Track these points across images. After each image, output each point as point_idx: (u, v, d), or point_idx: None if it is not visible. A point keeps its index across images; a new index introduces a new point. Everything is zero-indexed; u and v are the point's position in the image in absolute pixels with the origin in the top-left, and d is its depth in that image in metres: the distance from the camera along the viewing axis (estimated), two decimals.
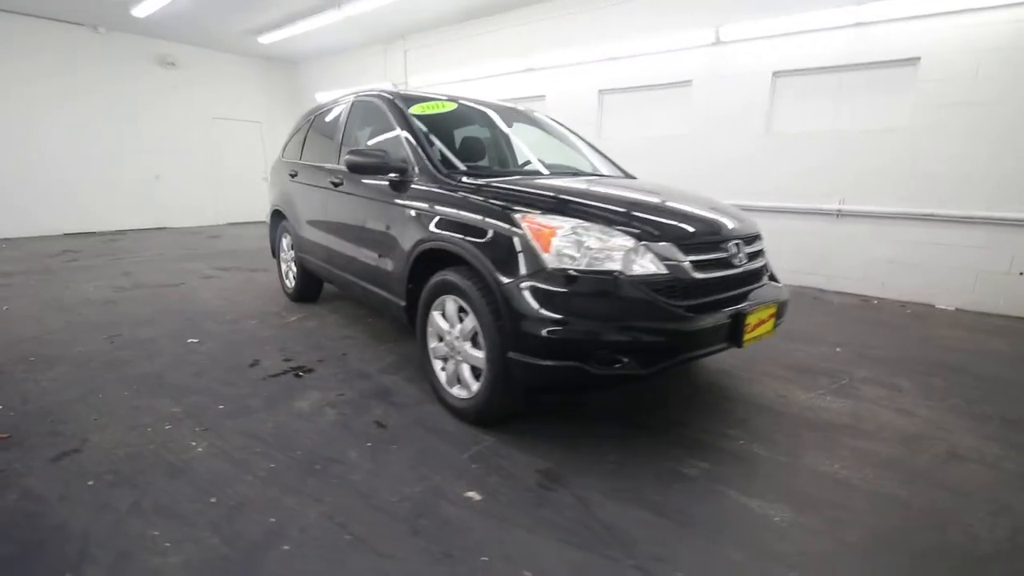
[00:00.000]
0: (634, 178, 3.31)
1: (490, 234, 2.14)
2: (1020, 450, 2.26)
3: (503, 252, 2.07)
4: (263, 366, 3.05)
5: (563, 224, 2.02)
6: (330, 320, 4.02)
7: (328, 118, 3.92)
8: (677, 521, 1.75)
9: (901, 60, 4.74)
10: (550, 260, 1.97)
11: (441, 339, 2.48)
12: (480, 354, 2.21)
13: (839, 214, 5.22)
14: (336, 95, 4.14)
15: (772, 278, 2.64)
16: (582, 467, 2.07)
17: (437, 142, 2.86)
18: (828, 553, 1.62)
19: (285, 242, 4.50)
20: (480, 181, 2.48)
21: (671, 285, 2.03)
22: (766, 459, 2.16)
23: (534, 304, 1.96)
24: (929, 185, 4.71)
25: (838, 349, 3.55)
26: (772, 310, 2.32)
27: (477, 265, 2.15)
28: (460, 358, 2.35)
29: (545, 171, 3.21)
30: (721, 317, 2.07)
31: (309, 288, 4.38)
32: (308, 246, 3.93)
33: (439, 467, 2.05)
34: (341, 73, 10.37)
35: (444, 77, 8.40)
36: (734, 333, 2.12)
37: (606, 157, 3.65)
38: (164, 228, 9.91)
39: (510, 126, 3.49)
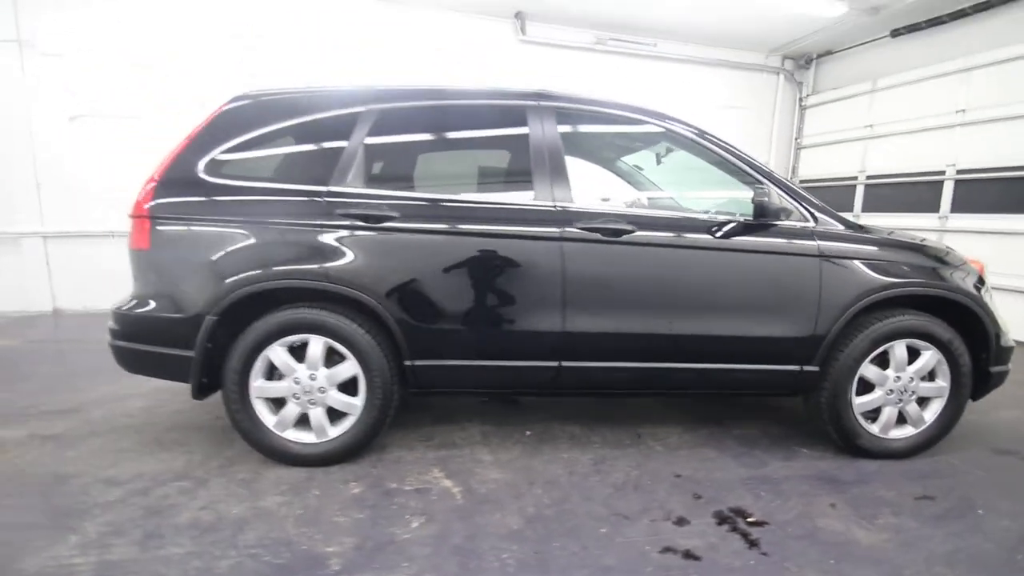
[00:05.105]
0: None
1: (957, 272, 2.47)
2: None
3: (976, 287, 2.47)
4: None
5: (978, 260, 2.57)
6: (518, 460, 2.50)
7: (510, 129, 2.61)
8: None
9: None
10: (983, 289, 2.51)
11: (863, 391, 2.44)
12: (938, 384, 2.45)
13: None
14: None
15: None
16: None
17: None
18: None
19: (278, 360, 2.25)
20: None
21: None
22: None
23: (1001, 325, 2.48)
24: None
25: None
26: None
27: (970, 304, 2.40)
28: (914, 399, 2.45)
29: None
30: None
31: (381, 424, 2.40)
32: (472, 339, 2.40)
33: None
34: None
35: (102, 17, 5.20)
36: None
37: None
38: None
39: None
